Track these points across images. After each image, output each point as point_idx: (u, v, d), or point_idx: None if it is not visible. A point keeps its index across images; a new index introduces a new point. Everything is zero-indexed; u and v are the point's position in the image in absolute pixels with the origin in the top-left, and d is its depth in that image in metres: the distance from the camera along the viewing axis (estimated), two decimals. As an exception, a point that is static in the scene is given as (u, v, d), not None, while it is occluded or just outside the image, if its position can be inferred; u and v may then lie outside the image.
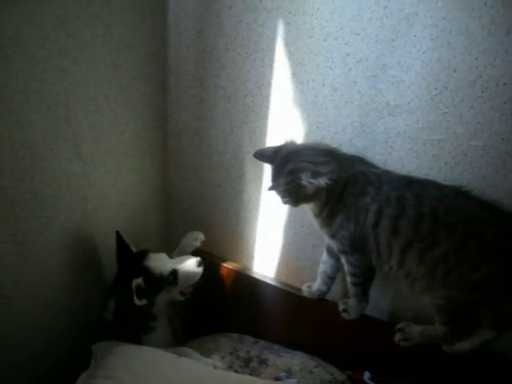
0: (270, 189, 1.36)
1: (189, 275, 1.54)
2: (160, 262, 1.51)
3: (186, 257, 1.58)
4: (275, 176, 1.36)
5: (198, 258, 1.56)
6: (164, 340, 1.57)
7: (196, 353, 1.52)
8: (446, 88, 1.24)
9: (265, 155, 1.40)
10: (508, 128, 1.20)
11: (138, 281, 1.40)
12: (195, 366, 1.43)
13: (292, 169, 1.30)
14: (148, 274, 1.45)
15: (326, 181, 1.26)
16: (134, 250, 1.50)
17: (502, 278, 1.18)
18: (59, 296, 1.44)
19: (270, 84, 1.50)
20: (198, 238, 1.72)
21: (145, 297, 1.42)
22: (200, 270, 1.55)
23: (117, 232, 1.47)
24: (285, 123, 1.52)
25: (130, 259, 1.48)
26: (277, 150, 1.37)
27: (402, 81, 1.29)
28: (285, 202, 1.38)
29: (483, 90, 1.20)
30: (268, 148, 1.43)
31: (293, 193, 1.33)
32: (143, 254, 1.50)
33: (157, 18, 1.56)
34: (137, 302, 1.39)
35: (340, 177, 1.29)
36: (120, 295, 1.47)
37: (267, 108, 1.53)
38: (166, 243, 1.53)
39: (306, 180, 1.27)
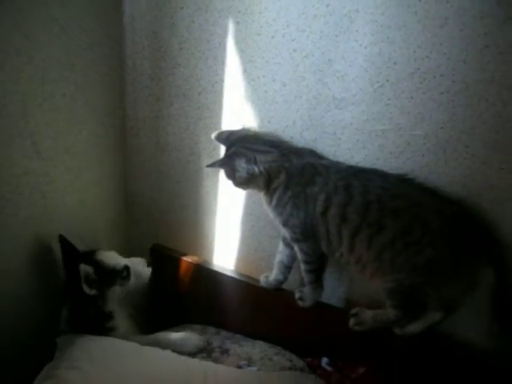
0: (208, 166, 1.46)
1: (141, 273, 1.61)
2: (112, 257, 1.54)
3: (134, 258, 1.63)
4: (223, 157, 1.45)
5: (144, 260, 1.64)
6: (127, 337, 1.54)
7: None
8: (388, 80, 1.30)
9: (221, 137, 1.46)
10: (446, 117, 1.26)
11: (87, 268, 1.41)
12: (158, 355, 1.45)
13: (232, 152, 1.39)
14: (99, 266, 1.47)
15: (260, 169, 1.36)
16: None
17: (446, 260, 1.23)
18: (20, 291, 1.45)
19: (222, 81, 1.54)
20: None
21: (95, 287, 1.44)
22: (149, 271, 1.62)
23: (60, 236, 1.45)
24: (238, 118, 1.56)
25: (79, 258, 1.45)
26: (231, 134, 1.45)
27: (346, 74, 1.35)
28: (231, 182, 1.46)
29: (422, 81, 1.26)
30: (226, 130, 1.48)
31: (230, 175, 1.42)
32: (93, 251, 1.52)
33: (112, 19, 1.59)
34: (86, 289, 1.41)
35: (282, 167, 1.36)
36: (72, 299, 1.48)
37: (221, 104, 1.58)
38: (129, 240, 1.55)
39: (239, 165, 1.37)
